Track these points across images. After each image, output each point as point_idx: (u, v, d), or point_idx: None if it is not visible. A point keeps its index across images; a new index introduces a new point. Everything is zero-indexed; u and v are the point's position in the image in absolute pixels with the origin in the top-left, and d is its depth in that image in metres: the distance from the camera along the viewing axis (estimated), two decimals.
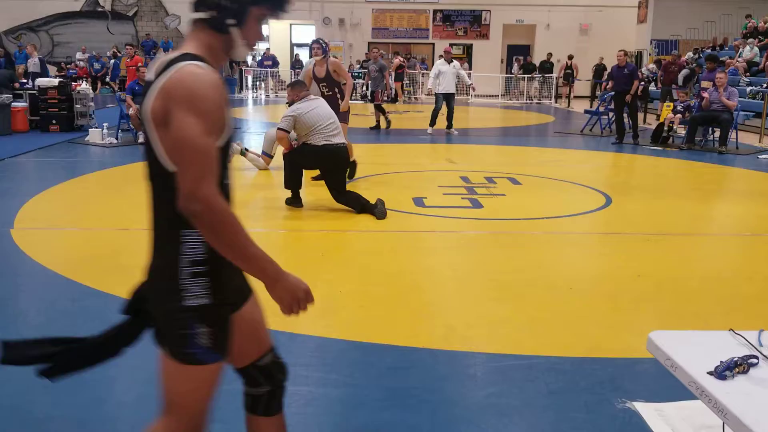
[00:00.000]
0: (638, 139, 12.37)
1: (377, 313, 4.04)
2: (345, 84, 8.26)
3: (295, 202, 6.73)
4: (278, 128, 6.53)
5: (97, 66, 24.13)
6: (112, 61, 23.64)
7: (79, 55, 24.80)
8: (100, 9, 26.65)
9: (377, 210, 6.34)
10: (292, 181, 6.70)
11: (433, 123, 13.41)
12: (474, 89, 14.36)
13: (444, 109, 13.37)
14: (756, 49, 18.13)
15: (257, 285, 1.86)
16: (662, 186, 8.62)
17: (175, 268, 1.73)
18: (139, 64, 13.57)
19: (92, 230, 5.87)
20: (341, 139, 6.52)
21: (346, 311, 4.07)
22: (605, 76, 20.26)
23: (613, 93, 12.76)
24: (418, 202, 7.07)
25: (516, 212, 6.80)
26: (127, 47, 14.70)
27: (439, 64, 13.66)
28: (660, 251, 5.51)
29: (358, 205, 6.44)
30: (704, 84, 12.83)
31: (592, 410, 2.93)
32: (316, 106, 6.46)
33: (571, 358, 3.45)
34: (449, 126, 13.52)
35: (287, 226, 6.25)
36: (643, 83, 17.99)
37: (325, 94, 8.03)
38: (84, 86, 13.27)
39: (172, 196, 1.64)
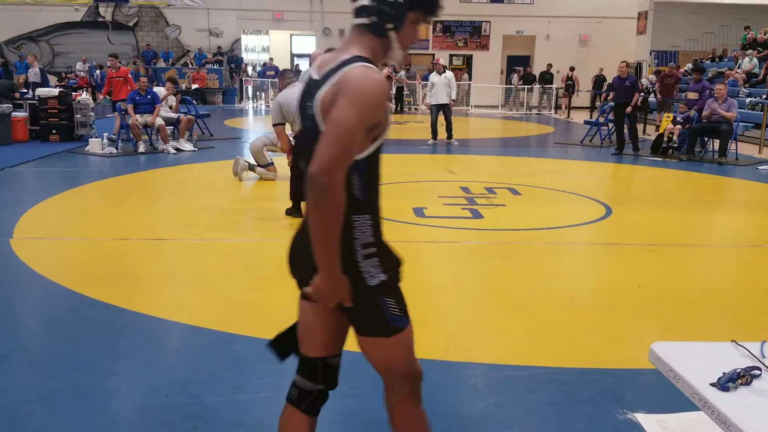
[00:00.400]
0: (638, 149, 12.38)
1: None
2: None
3: (295, 212, 6.73)
4: (273, 124, 6.64)
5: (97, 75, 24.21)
6: (98, 71, 22.67)
7: (79, 65, 24.88)
8: (100, 19, 26.72)
9: None
10: (296, 191, 6.71)
11: (433, 135, 13.43)
12: (454, 101, 13.97)
13: (442, 120, 13.39)
14: (755, 60, 18.19)
15: None
16: (662, 197, 8.62)
17: (352, 254, 1.88)
18: (139, 72, 13.50)
19: (92, 240, 5.86)
20: None
21: None
22: (605, 87, 20.31)
23: (613, 104, 12.79)
24: (419, 212, 7.07)
25: (516, 223, 6.79)
26: (110, 58, 13.60)
27: (432, 75, 13.70)
28: (660, 262, 5.50)
29: None
30: (690, 95, 12.73)
31: (593, 422, 2.92)
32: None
33: (572, 369, 3.43)
34: (449, 136, 13.53)
35: (287, 234, 6.22)
36: (642, 94, 17.99)
37: None
38: (84, 96, 13.29)
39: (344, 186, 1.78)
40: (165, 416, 2.91)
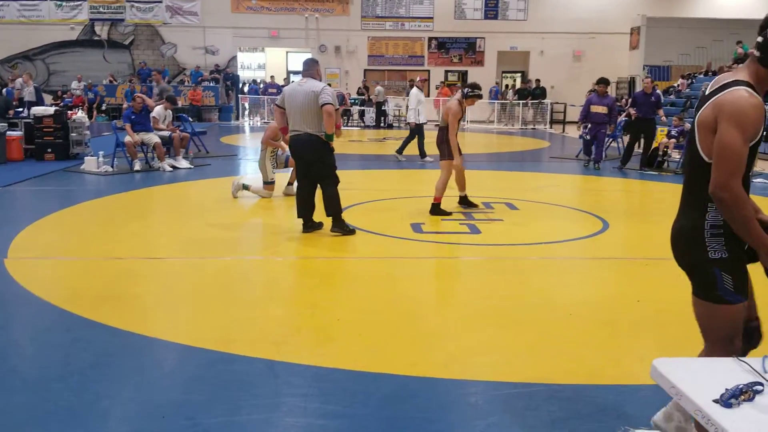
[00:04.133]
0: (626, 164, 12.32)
1: (375, 341, 4.00)
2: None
3: (314, 226, 6.77)
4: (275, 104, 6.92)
5: (90, 95, 24.21)
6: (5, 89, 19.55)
7: (74, 84, 24.90)
8: (96, 38, 26.81)
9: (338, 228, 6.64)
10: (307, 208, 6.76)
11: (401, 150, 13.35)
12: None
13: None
14: None
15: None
16: (659, 210, 8.61)
17: (701, 230, 2.40)
18: (135, 91, 13.45)
19: (86, 260, 5.82)
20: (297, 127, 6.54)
21: (344, 339, 4.02)
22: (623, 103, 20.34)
23: (626, 119, 12.72)
24: (416, 228, 7.05)
25: (514, 237, 6.78)
26: None
27: (417, 93, 13.32)
28: (659, 276, 5.48)
29: (330, 208, 6.63)
30: (594, 109, 12.18)
31: None
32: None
33: (572, 386, 3.40)
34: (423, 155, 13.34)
35: (284, 253, 6.21)
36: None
37: None
38: (80, 114, 13.28)
39: (704, 180, 2.32)
40: None
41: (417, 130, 13.32)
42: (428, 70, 27.57)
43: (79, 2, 26.44)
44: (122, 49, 27.01)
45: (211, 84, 25.57)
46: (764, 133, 2.37)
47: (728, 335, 2.42)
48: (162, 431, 2.92)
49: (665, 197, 9.70)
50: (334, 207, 6.59)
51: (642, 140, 12.48)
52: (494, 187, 10.51)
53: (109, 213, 8.02)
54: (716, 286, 2.36)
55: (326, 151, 6.57)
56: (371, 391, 3.32)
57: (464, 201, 8.21)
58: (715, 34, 24.41)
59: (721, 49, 24.07)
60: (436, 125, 8.40)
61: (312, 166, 6.59)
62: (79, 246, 6.33)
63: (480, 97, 7.92)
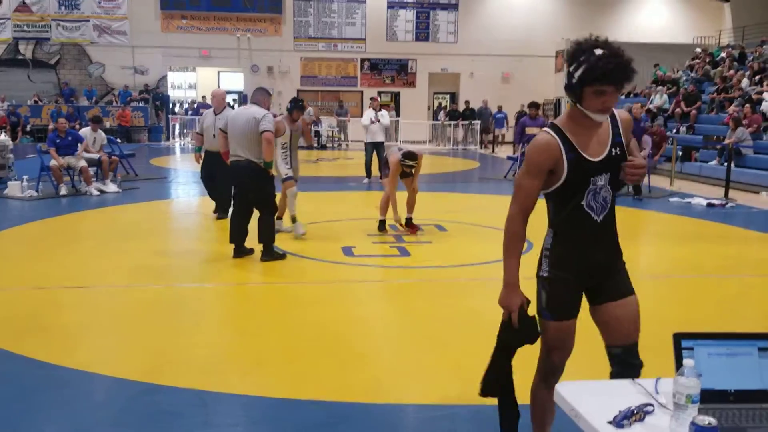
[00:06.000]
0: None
1: (305, 367, 4.06)
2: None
3: (244, 251, 6.75)
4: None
5: (13, 119, 23.34)
6: None
7: None
8: (20, 57, 26.00)
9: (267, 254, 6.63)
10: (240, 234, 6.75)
11: (368, 174, 13.53)
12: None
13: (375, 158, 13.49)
14: (665, 96, 19.23)
15: None
16: None
17: (542, 250, 2.66)
18: (61, 112, 13.09)
19: (9, 290, 5.67)
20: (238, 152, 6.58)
21: (274, 367, 4.07)
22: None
23: None
24: (347, 251, 7.14)
25: (443, 259, 6.95)
26: None
27: (369, 112, 13.50)
28: None
29: (264, 237, 6.61)
30: (529, 131, 12.83)
31: None
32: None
33: (493, 406, 3.53)
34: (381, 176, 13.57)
35: (214, 279, 6.19)
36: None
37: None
38: (2, 137, 12.86)
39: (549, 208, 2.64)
40: None
41: (365, 149, 13.48)
42: (361, 91, 27.83)
43: (2, 21, 25.62)
44: (48, 68, 26.25)
45: (141, 104, 25.12)
46: (584, 174, 2.49)
47: (546, 348, 2.74)
48: None
49: None
50: (267, 236, 6.60)
51: None
52: (424, 208, 10.68)
53: (33, 240, 7.81)
54: (538, 300, 2.67)
55: (265, 179, 6.56)
56: (300, 419, 3.38)
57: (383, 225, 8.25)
58: (634, 58, 25.52)
59: (640, 71, 25.19)
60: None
61: (250, 194, 6.59)
62: (2, 275, 6.15)
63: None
